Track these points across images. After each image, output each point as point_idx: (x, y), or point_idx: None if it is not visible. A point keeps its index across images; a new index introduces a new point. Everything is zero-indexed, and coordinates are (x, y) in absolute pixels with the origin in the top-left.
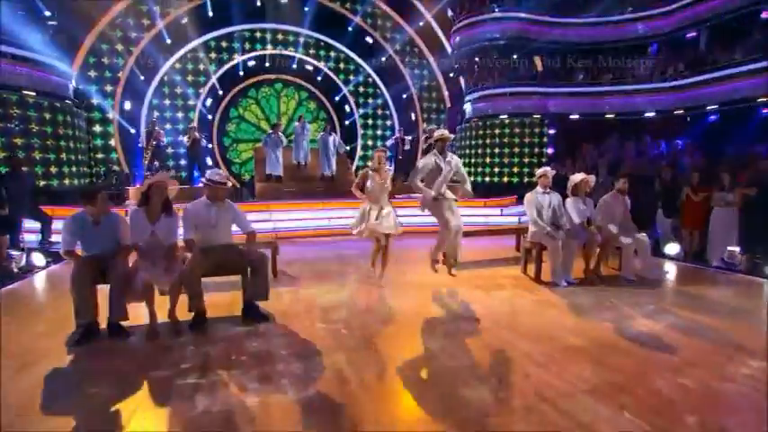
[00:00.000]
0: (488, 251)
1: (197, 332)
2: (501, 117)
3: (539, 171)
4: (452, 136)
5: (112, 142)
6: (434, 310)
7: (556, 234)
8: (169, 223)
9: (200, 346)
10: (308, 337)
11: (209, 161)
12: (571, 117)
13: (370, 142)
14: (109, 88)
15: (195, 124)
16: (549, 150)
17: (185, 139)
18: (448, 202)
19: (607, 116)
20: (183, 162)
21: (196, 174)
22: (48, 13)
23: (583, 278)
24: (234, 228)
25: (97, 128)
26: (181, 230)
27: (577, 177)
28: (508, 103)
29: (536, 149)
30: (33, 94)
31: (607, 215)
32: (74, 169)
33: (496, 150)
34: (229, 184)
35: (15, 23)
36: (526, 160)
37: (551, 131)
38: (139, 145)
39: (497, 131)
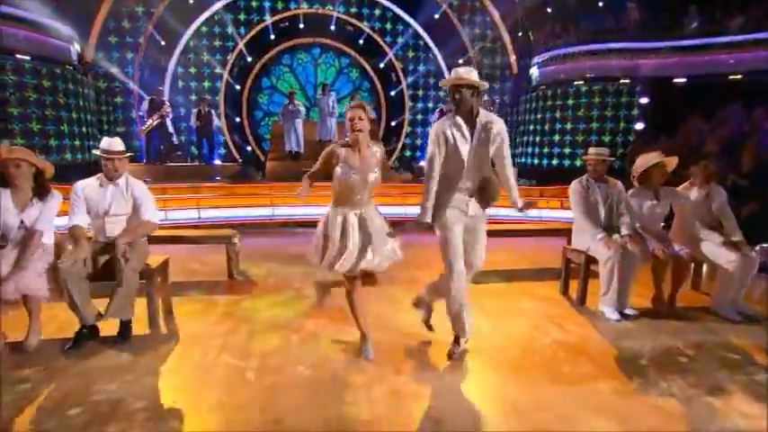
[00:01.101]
0: (527, 256)
1: (73, 355)
2: (576, 83)
3: (589, 152)
4: (477, 80)
5: (133, 114)
6: (397, 349)
7: (611, 241)
8: (42, 210)
9: (39, 383)
10: (196, 380)
11: (219, 137)
12: (675, 81)
13: (419, 116)
14: (129, 55)
15: (207, 96)
16: (639, 126)
17: (194, 113)
18: (470, 219)
19: (731, 77)
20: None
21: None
22: None
23: (649, 308)
24: None
25: (119, 99)
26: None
27: (649, 159)
28: (586, 65)
29: (621, 125)
30: (28, 58)
31: (688, 216)
32: (77, 143)
33: (568, 126)
34: (128, 153)
35: None
36: (607, 139)
37: (644, 101)
38: (140, 113)
39: (570, 102)
